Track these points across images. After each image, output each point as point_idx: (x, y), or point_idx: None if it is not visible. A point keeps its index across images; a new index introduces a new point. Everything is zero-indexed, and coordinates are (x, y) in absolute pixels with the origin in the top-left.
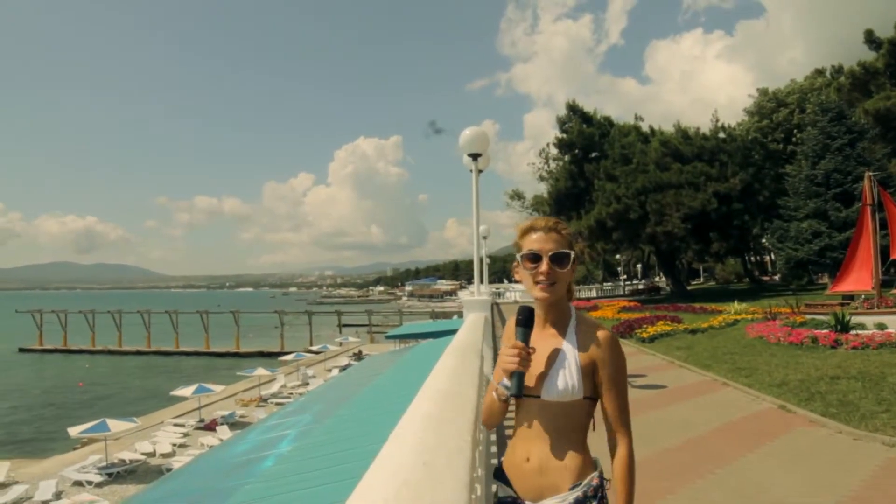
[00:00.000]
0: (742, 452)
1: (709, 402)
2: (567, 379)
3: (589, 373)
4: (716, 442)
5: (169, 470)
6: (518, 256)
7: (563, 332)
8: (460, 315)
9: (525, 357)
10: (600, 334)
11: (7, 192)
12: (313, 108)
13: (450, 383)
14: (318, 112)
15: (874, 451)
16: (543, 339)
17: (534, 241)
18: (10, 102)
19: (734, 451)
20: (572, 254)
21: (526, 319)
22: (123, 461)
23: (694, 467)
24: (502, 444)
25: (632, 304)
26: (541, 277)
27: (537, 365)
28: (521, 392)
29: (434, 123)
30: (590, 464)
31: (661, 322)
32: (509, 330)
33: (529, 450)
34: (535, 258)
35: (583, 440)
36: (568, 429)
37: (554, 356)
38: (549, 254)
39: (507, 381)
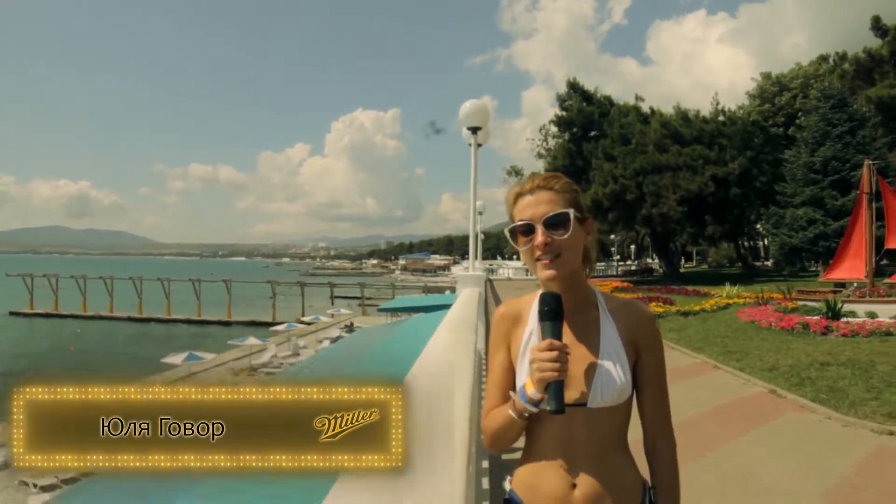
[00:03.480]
0: (733, 436)
1: (700, 385)
2: (620, 376)
3: (632, 363)
4: (707, 425)
5: None
6: (507, 232)
7: (593, 315)
8: (453, 290)
9: (566, 360)
10: (638, 312)
11: (0, 155)
12: (311, 78)
13: (446, 359)
14: (316, 83)
15: (863, 437)
16: (574, 328)
17: (524, 208)
18: (5, 67)
19: (725, 435)
20: (571, 212)
21: (554, 310)
22: None
23: (684, 450)
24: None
25: (624, 284)
26: (538, 252)
27: (575, 364)
28: (563, 407)
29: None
30: (639, 477)
31: (654, 303)
32: (501, 327)
33: (573, 474)
34: (527, 229)
35: (628, 450)
36: (613, 439)
37: (594, 349)
38: (543, 219)
39: (531, 393)
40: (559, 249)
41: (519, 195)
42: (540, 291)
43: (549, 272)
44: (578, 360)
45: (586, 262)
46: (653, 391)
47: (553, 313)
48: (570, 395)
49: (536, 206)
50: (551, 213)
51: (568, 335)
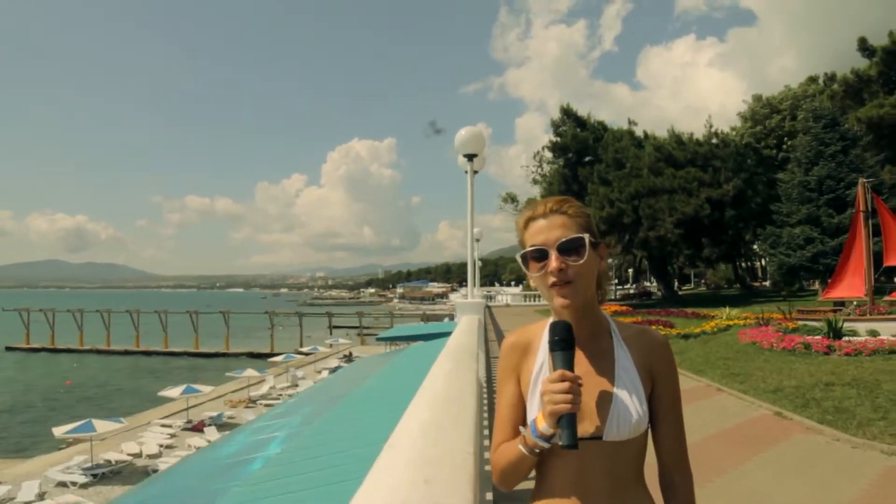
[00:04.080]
0: (740, 460)
1: (704, 408)
2: (637, 408)
3: (648, 393)
4: (713, 449)
5: (155, 471)
6: (519, 258)
7: (607, 344)
8: (451, 318)
9: (578, 392)
10: (653, 339)
11: None
12: (307, 109)
13: (448, 388)
14: (311, 114)
15: (873, 458)
16: (587, 359)
17: (537, 233)
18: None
19: (732, 459)
20: (587, 237)
21: (565, 339)
22: (109, 462)
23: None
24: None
25: (623, 308)
26: (552, 279)
27: (589, 395)
28: (576, 441)
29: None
30: None
31: (654, 326)
32: (510, 358)
33: None
34: (540, 255)
35: (645, 484)
36: (629, 473)
37: (610, 380)
38: (557, 244)
39: (542, 428)
40: (573, 276)
41: (531, 219)
42: (550, 319)
43: (564, 301)
44: (593, 391)
45: (598, 289)
46: (669, 421)
47: (564, 342)
48: (585, 428)
49: (550, 231)
50: (565, 238)
51: (582, 365)
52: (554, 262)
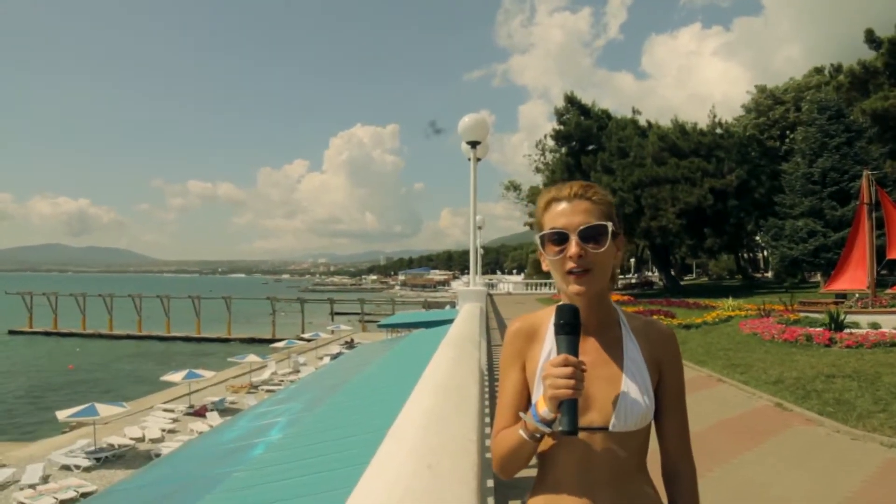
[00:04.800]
0: (740, 451)
1: (705, 399)
2: (645, 399)
3: (655, 385)
4: (713, 439)
5: (158, 455)
6: (537, 238)
7: (616, 334)
8: (453, 305)
9: (581, 378)
10: (661, 331)
11: None
12: (310, 94)
13: (451, 376)
14: (314, 99)
15: (873, 451)
16: (596, 348)
17: (558, 216)
18: (2, 83)
19: (732, 449)
20: (609, 226)
21: (570, 324)
22: (112, 446)
23: None
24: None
25: (625, 297)
26: (570, 264)
27: (597, 385)
28: (576, 427)
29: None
30: (660, 503)
31: (655, 316)
32: (515, 344)
33: (592, 501)
34: (560, 238)
35: (648, 475)
36: (633, 464)
37: (618, 370)
38: (579, 230)
39: (543, 412)
40: (591, 264)
41: (553, 201)
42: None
43: (579, 288)
44: (601, 380)
45: (610, 280)
46: (674, 413)
47: (570, 327)
48: (592, 417)
49: (572, 216)
50: (588, 225)
51: (591, 354)
52: (574, 247)
